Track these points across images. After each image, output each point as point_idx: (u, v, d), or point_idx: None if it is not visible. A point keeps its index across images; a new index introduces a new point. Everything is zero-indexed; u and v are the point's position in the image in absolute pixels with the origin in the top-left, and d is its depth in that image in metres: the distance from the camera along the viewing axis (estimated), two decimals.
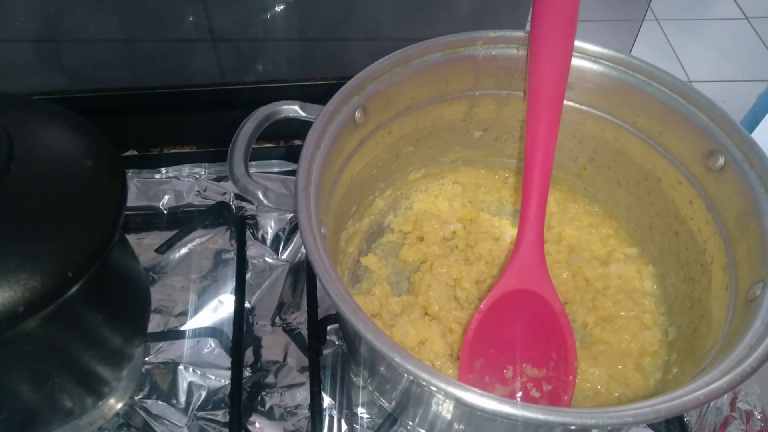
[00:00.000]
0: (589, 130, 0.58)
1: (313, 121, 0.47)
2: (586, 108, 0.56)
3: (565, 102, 0.56)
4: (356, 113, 0.50)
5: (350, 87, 0.49)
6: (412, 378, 0.35)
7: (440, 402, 0.43)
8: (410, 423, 0.51)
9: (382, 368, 0.47)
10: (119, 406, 0.53)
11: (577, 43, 0.52)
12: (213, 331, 0.58)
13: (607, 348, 0.53)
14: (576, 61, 0.53)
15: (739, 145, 0.48)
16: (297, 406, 0.54)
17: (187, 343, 0.57)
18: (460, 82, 0.56)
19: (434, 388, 0.35)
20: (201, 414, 0.54)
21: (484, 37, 0.53)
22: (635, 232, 0.60)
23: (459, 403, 0.35)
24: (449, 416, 0.45)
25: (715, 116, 0.49)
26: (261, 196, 0.46)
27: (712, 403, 0.55)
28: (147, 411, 0.54)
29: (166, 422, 0.53)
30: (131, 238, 0.64)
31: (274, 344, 0.58)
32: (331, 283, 0.39)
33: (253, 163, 0.71)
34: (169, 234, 0.64)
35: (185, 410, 0.54)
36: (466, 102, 0.58)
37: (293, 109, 0.50)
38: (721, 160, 0.49)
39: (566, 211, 0.63)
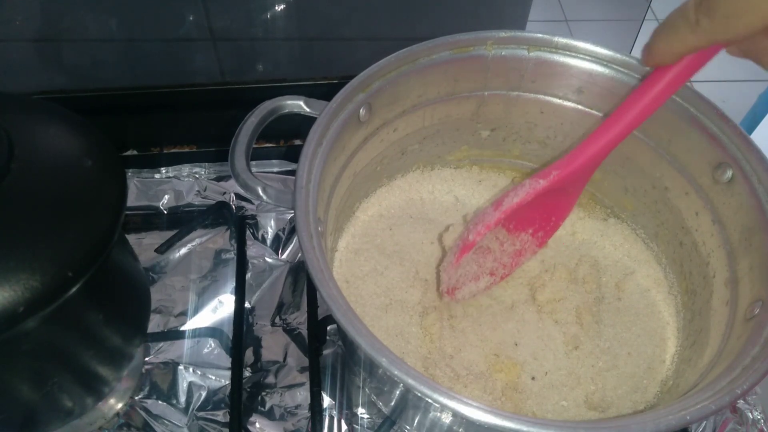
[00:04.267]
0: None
1: (316, 117, 0.47)
2: (595, 112, 0.56)
3: (576, 105, 0.56)
4: (361, 110, 0.50)
5: (355, 84, 0.49)
6: (403, 385, 0.35)
7: (435, 408, 0.43)
8: (408, 427, 0.51)
9: (378, 372, 0.47)
10: (119, 406, 0.53)
11: (588, 46, 0.52)
12: (213, 331, 0.58)
13: (605, 353, 0.53)
14: (586, 65, 0.53)
15: (749, 158, 0.47)
16: (297, 406, 0.54)
17: (187, 343, 0.57)
18: (468, 81, 0.55)
19: (424, 397, 0.35)
20: (201, 414, 0.54)
21: (494, 38, 0.52)
22: (641, 238, 0.60)
23: (456, 415, 0.35)
24: (446, 422, 0.45)
25: (725, 128, 0.48)
26: (261, 192, 0.46)
27: None
28: (147, 411, 0.54)
29: (166, 422, 0.53)
30: (131, 238, 0.64)
31: (274, 344, 0.58)
32: (324, 283, 0.39)
33: (253, 162, 0.71)
34: (169, 234, 0.64)
35: (185, 410, 0.54)
36: (475, 101, 0.57)
37: (298, 104, 0.50)
38: (729, 173, 0.48)
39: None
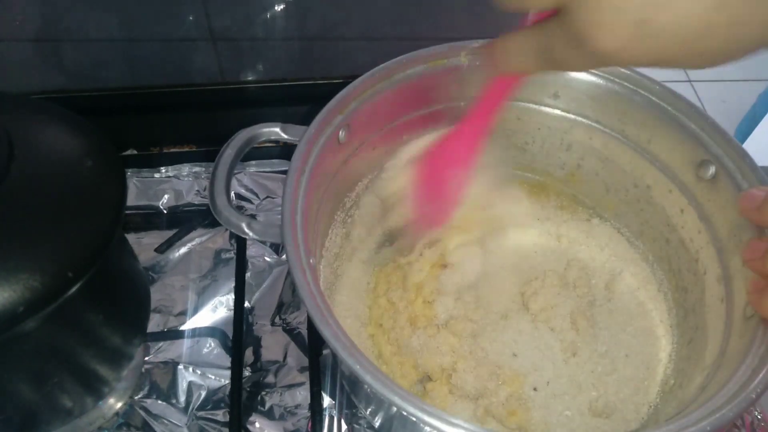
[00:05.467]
0: (576, 138, 0.58)
1: (295, 144, 0.46)
2: (572, 116, 0.56)
3: (552, 110, 0.57)
4: (340, 132, 0.49)
5: (332, 107, 0.48)
6: (413, 419, 0.35)
7: None
8: None
9: (381, 411, 0.47)
10: (119, 405, 0.53)
11: None
12: (213, 331, 0.58)
13: (603, 356, 0.53)
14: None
15: (731, 155, 0.47)
16: (297, 406, 0.54)
17: (186, 343, 0.57)
18: (444, 93, 0.55)
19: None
20: (201, 414, 0.54)
21: (467, 48, 0.52)
22: (627, 237, 0.60)
23: None
24: None
25: (704, 125, 0.48)
26: (246, 229, 0.45)
27: None
28: (147, 411, 0.54)
29: (166, 422, 0.53)
30: (131, 238, 0.64)
31: (274, 344, 0.58)
32: (324, 323, 0.38)
33: (253, 162, 0.71)
34: (168, 233, 0.64)
35: (185, 410, 0.54)
36: (452, 113, 0.57)
37: (274, 132, 0.49)
38: (712, 170, 0.48)
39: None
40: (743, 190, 0.46)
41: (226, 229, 0.66)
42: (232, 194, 0.68)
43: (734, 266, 0.47)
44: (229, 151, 0.48)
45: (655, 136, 0.52)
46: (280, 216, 0.43)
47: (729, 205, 0.47)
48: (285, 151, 0.72)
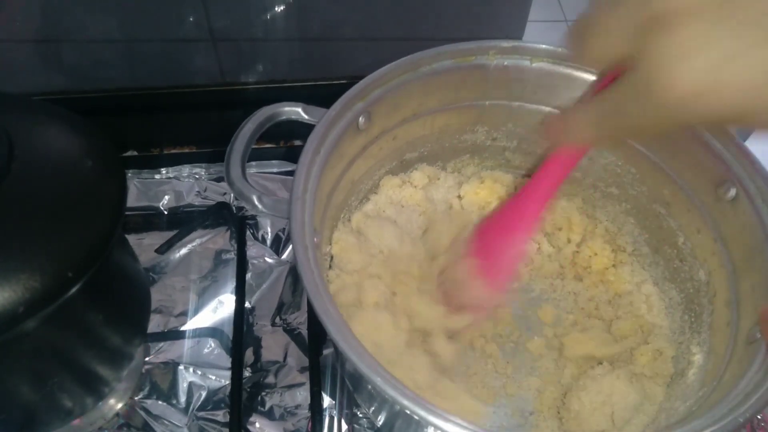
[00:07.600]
0: (599, 149, 0.57)
1: (314, 125, 0.47)
2: None
3: None
4: (360, 118, 0.49)
5: (354, 92, 0.48)
6: (393, 401, 0.35)
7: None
8: None
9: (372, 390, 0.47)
10: (119, 406, 0.53)
11: None
12: (213, 331, 0.58)
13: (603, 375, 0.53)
14: (589, 76, 0.52)
15: (753, 177, 0.46)
16: (297, 406, 0.54)
17: (187, 343, 0.57)
18: (470, 90, 0.55)
19: (419, 417, 0.35)
20: (201, 414, 0.54)
21: (496, 47, 0.52)
22: (641, 254, 0.60)
23: None
24: None
25: (730, 145, 0.47)
26: (256, 201, 0.45)
27: None
28: (147, 411, 0.54)
29: (166, 422, 0.53)
30: (131, 238, 0.64)
31: (274, 344, 0.58)
32: (318, 297, 0.38)
33: (253, 163, 0.71)
34: (169, 234, 0.64)
35: (185, 410, 0.54)
36: (476, 111, 0.56)
37: (296, 111, 0.49)
38: (733, 191, 0.47)
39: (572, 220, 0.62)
40: (762, 215, 0.45)
41: (227, 230, 0.66)
42: (232, 195, 0.68)
43: (744, 290, 0.46)
44: (249, 125, 0.48)
45: (678, 152, 0.52)
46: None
47: (747, 228, 0.46)
48: (286, 152, 0.72)
